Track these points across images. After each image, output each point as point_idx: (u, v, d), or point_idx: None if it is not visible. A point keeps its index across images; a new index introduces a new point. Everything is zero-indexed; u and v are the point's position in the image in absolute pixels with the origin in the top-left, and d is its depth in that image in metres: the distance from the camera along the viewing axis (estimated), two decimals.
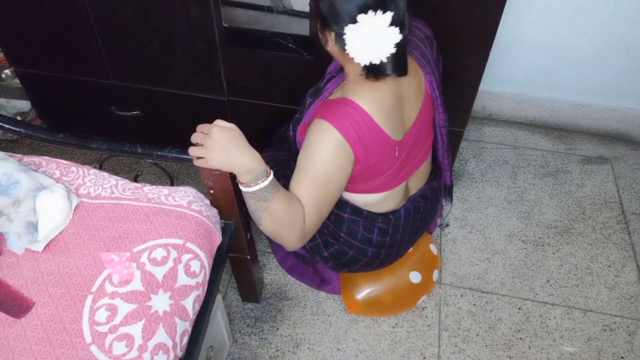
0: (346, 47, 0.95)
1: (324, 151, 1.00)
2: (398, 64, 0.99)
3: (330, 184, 1.03)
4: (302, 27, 1.37)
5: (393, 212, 1.25)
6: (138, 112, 1.73)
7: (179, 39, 1.46)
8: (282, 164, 1.33)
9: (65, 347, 0.85)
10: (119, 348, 0.85)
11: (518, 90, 2.02)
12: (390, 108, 1.05)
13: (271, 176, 0.94)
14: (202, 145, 0.94)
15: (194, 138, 0.96)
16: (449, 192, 1.44)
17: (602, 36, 1.77)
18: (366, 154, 1.04)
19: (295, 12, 1.34)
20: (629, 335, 1.47)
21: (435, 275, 1.49)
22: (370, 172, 1.11)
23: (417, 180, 1.29)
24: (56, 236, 1.00)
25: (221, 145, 0.92)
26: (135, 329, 0.87)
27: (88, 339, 0.86)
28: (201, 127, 0.96)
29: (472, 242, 1.69)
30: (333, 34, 0.98)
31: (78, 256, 0.97)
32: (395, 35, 0.93)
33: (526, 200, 1.82)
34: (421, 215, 1.33)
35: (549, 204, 1.82)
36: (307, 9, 1.32)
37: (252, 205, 0.97)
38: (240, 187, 0.96)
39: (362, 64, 0.96)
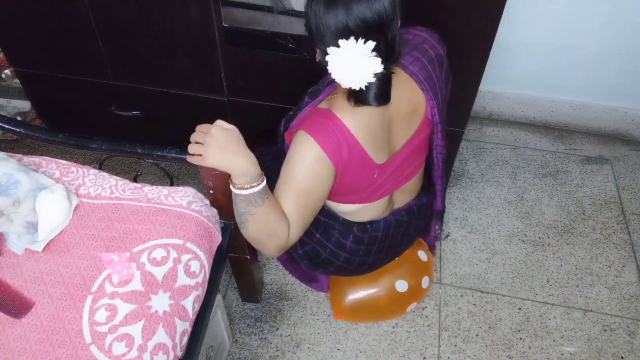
0: (328, 68, 0.95)
1: (304, 164, 1.00)
2: (378, 93, 0.98)
3: (312, 194, 1.03)
4: (302, 27, 1.36)
5: (371, 222, 1.25)
6: (138, 112, 1.73)
7: (179, 39, 1.46)
8: (277, 158, 1.31)
9: (65, 347, 0.85)
10: (119, 348, 0.85)
11: (518, 90, 2.02)
12: (376, 129, 1.05)
13: (264, 182, 0.94)
14: (201, 144, 0.94)
15: (194, 137, 0.96)
16: (439, 218, 1.41)
17: (602, 36, 1.77)
18: (344, 172, 1.04)
19: (295, 12, 1.34)
20: (629, 335, 1.47)
21: (425, 282, 1.46)
22: (347, 188, 1.11)
23: (403, 194, 1.28)
24: (56, 236, 1.00)
25: (220, 145, 0.92)
26: (135, 329, 0.87)
27: (88, 339, 0.86)
28: (201, 127, 0.96)
29: (472, 242, 1.69)
30: (318, 51, 0.99)
31: (78, 256, 0.97)
32: (376, 66, 0.91)
33: (526, 200, 1.82)
34: (404, 229, 1.31)
35: (549, 204, 1.82)
36: None
37: (240, 208, 0.97)
38: (232, 188, 0.95)
39: (343, 86, 0.97)
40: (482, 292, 1.56)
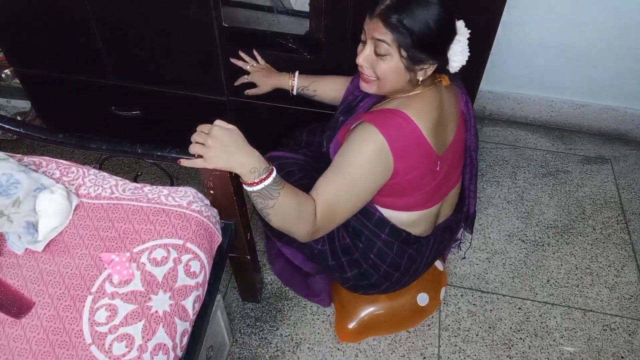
0: (451, 65, 1.00)
1: (363, 153, 0.99)
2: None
3: (358, 188, 1.02)
4: (302, 27, 1.37)
5: (425, 237, 1.23)
6: (138, 112, 1.73)
7: (179, 39, 1.46)
8: (305, 170, 1.27)
9: (65, 347, 0.85)
10: (119, 348, 0.85)
11: (518, 90, 2.02)
12: (436, 122, 1.05)
13: (274, 173, 0.94)
14: (202, 144, 0.94)
15: (195, 137, 0.95)
16: (470, 222, 1.38)
17: (602, 36, 1.77)
18: (407, 167, 1.03)
19: (295, 12, 1.34)
20: (629, 335, 1.47)
21: (442, 293, 1.46)
22: (411, 185, 1.09)
23: (447, 207, 1.27)
24: (56, 236, 1.00)
25: (222, 145, 0.91)
26: (135, 330, 0.87)
27: (88, 339, 0.86)
28: (202, 127, 0.95)
29: (472, 242, 1.69)
30: (435, 64, 1.01)
31: (78, 256, 0.97)
32: (466, 30, 1.00)
33: (526, 200, 1.82)
34: (442, 246, 1.33)
35: (549, 204, 1.82)
36: (307, 9, 1.32)
37: (258, 204, 0.97)
38: (245, 187, 0.96)
39: (452, 71, 1.02)
40: (482, 292, 1.56)
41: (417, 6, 0.94)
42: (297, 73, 1.36)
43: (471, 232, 1.41)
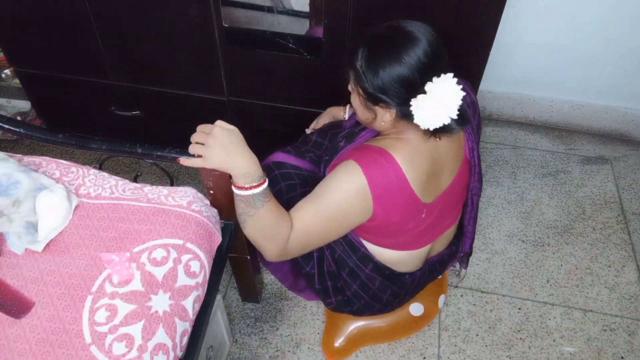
0: (414, 119, 0.94)
1: (343, 190, 0.98)
2: (460, 115, 0.95)
3: (334, 222, 1.01)
4: (302, 27, 1.37)
5: (410, 273, 1.22)
6: (138, 112, 1.73)
7: (179, 39, 1.46)
8: (307, 185, 1.24)
9: (65, 347, 0.85)
10: (119, 348, 0.85)
11: (518, 90, 2.02)
12: (426, 170, 1.03)
13: (265, 185, 0.93)
14: (202, 144, 0.94)
15: (195, 137, 0.95)
16: (465, 259, 1.38)
17: (602, 36, 1.77)
18: (388, 212, 1.02)
19: (295, 12, 1.34)
20: (629, 335, 1.47)
21: (441, 300, 1.45)
22: (394, 228, 1.08)
23: (440, 244, 1.27)
24: (56, 236, 1.00)
25: (221, 145, 0.91)
26: (135, 329, 0.87)
27: (88, 339, 0.86)
28: (202, 127, 0.95)
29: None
30: (392, 109, 0.97)
31: (78, 256, 0.97)
32: (459, 93, 0.91)
33: (526, 200, 1.82)
34: (433, 276, 1.32)
35: (549, 204, 1.82)
36: (307, 9, 1.32)
37: (239, 208, 0.97)
38: (233, 189, 0.95)
39: (426, 128, 0.95)
40: (482, 292, 1.56)
41: (383, 54, 0.93)
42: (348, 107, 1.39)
43: (465, 268, 1.42)
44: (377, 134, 1.10)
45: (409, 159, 1.00)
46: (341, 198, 0.98)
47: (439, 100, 0.91)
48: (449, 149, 1.08)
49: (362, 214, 1.01)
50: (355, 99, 1.02)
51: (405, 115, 0.96)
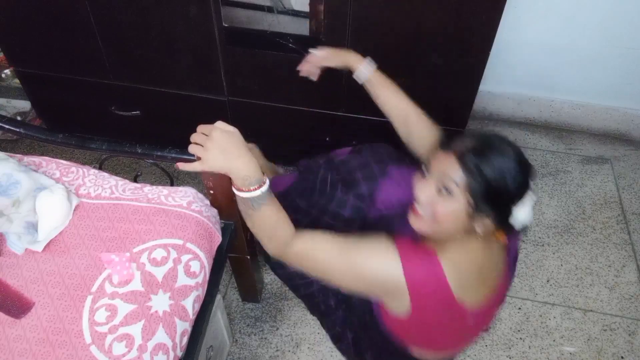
0: (512, 224, 0.90)
1: (379, 271, 0.92)
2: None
3: (352, 280, 0.95)
4: (302, 27, 1.37)
5: None
6: (138, 112, 1.73)
7: (179, 39, 1.46)
8: (312, 223, 1.20)
9: (65, 347, 0.85)
10: (119, 348, 0.85)
11: (518, 90, 2.02)
12: (474, 277, 0.95)
13: (264, 187, 0.92)
14: (201, 146, 0.93)
15: (194, 138, 0.95)
16: None
17: (602, 36, 1.77)
18: (425, 315, 0.95)
19: (295, 12, 1.34)
20: (629, 335, 1.47)
21: None
22: (433, 332, 1.01)
23: None
24: (56, 236, 1.00)
25: (221, 148, 0.90)
26: (135, 329, 0.87)
27: (88, 339, 0.86)
28: (202, 128, 0.95)
29: None
30: (492, 217, 0.89)
31: (78, 256, 0.97)
32: (533, 194, 0.90)
33: None
34: None
35: (549, 204, 1.82)
36: (307, 9, 1.31)
37: (239, 206, 0.97)
38: (233, 189, 0.95)
39: (516, 229, 0.91)
40: None
41: (498, 155, 0.87)
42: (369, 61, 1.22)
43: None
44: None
45: (457, 265, 0.92)
46: (374, 274, 0.92)
47: (531, 203, 0.90)
48: (498, 253, 1.01)
49: (400, 305, 0.94)
50: (454, 207, 0.89)
51: (503, 224, 0.90)
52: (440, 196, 0.90)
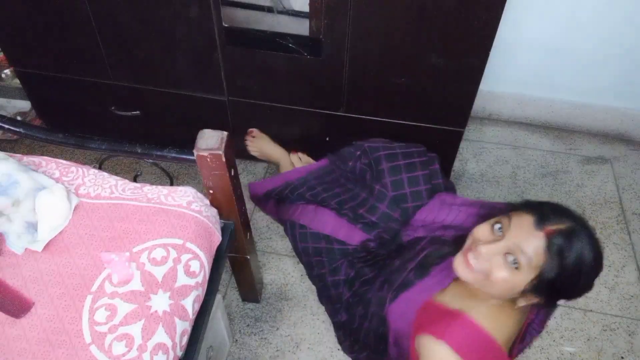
0: (556, 304, 0.88)
1: None
2: None
3: None
4: (302, 27, 1.37)
5: None
6: (138, 112, 1.73)
7: (179, 39, 1.46)
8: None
9: (65, 347, 0.85)
10: (119, 348, 0.85)
11: (518, 90, 2.02)
12: (514, 326, 0.93)
13: None
14: None
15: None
16: None
17: (602, 36, 1.77)
18: None
19: (295, 12, 1.34)
20: (629, 335, 1.47)
21: None
22: None
23: None
24: (56, 236, 1.00)
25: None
26: (135, 329, 0.87)
27: (88, 339, 0.86)
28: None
29: None
30: (540, 299, 0.86)
31: (78, 256, 0.97)
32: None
33: None
34: None
35: None
36: (307, 9, 1.32)
37: None
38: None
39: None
40: None
41: (583, 248, 0.82)
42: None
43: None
44: (452, 275, 0.96)
45: (494, 320, 0.89)
46: None
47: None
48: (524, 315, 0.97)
49: None
50: (514, 278, 0.84)
51: (548, 305, 0.88)
52: (504, 261, 0.84)
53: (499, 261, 0.84)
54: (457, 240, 1.07)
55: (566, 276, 0.81)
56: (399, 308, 1.03)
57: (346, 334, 1.26)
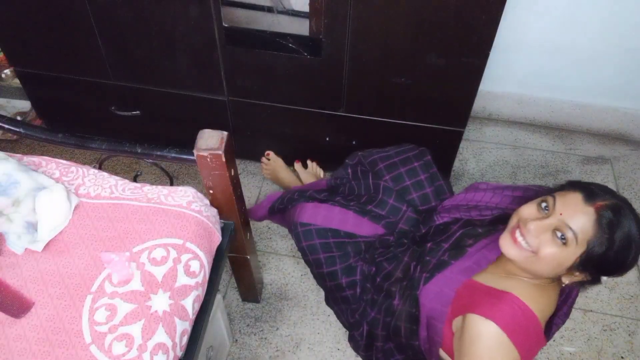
0: (599, 281, 0.89)
1: (486, 353, 0.86)
2: None
3: None
4: (302, 27, 1.37)
5: None
6: (138, 112, 1.73)
7: (179, 39, 1.46)
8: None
9: (65, 347, 0.85)
10: (119, 348, 0.85)
11: (518, 90, 2.02)
12: (551, 307, 0.96)
13: None
14: None
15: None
16: None
17: (602, 36, 1.77)
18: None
19: (295, 12, 1.34)
20: (629, 335, 1.47)
21: None
22: None
23: None
24: (56, 236, 1.00)
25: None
26: (135, 329, 0.87)
27: (88, 339, 0.86)
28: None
29: None
30: (584, 275, 0.88)
31: (78, 256, 0.97)
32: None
33: None
34: None
35: None
36: (307, 9, 1.32)
37: None
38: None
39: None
40: None
41: (632, 224, 0.84)
42: None
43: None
44: (493, 259, 0.98)
45: (541, 301, 0.91)
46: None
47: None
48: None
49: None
50: (562, 254, 0.86)
51: (592, 282, 0.89)
52: (553, 237, 0.85)
53: (548, 237, 0.86)
54: (494, 221, 1.10)
55: (616, 250, 0.83)
56: (435, 288, 1.03)
57: (361, 334, 1.24)
